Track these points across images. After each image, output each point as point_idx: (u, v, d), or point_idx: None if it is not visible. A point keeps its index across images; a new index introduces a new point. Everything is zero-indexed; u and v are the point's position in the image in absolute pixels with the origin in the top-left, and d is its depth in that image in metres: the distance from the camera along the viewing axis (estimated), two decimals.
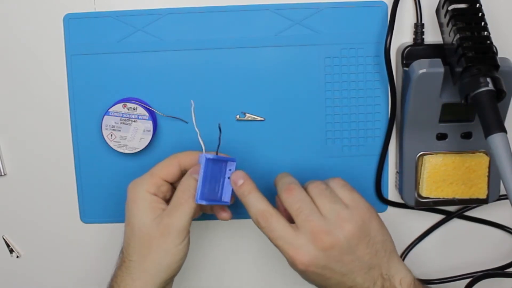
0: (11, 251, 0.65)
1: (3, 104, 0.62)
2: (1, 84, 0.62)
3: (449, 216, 0.64)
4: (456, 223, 0.65)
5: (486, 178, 0.59)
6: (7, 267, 0.66)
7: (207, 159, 0.53)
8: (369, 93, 0.61)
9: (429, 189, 0.59)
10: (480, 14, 0.53)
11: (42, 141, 0.63)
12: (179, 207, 0.52)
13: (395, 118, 0.61)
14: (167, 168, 0.55)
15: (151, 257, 0.52)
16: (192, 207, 0.53)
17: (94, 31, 0.60)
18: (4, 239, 0.65)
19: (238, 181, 0.53)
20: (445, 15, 0.55)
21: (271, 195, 0.58)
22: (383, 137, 0.62)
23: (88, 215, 0.64)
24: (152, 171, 0.55)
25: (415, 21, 0.59)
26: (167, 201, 0.55)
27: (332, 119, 0.62)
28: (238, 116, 0.62)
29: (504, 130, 0.48)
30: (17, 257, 0.65)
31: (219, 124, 0.56)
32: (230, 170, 0.55)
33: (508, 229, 0.65)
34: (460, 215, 0.64)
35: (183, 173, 0.55)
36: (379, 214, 0.64)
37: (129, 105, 0.59)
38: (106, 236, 0.65)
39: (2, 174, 0.63)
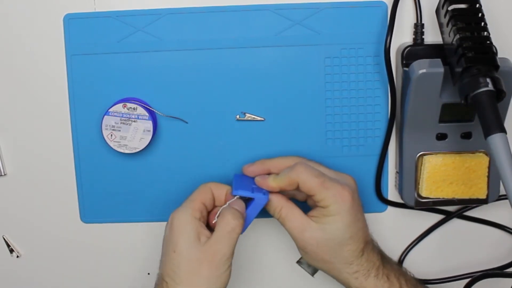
0: (11, 251, 0.65)
1: (3, 104, 0.62)
2: (1, 84, 0.62)
3: (448, 216, 0.64)
4: (455, 223, 0.65)
5: (486, 178, 0.59)
6: (7, 267, 0.66)
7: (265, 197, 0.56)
8: (369, 93, 0.61)
9: (429, 189, 0.59)
10: (480, 14, 0.53)
11: (42, 141, 0.63)
12: (227, 235, 0.53)
13: (395, 118, 0.61)
14: (204, 194, 0.56)
15: (200, 282, 0.52)
16: (238, 235, 0.54)
17: (94, 31, 0.60)
18: (4, 239, 0.65)
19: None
20: (445, 15, 0.55)
21: None
22: (383, 137, 0.62)
23: (88, 215, 0.64)
24: (192, 198, 0.56)
25: (415, 21, 0.59)
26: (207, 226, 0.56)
27: (332, 119, 0.62)
28: (238, 116, 0.62)
29: (504, 130, 0.48)
30: (17, 257, 0.65)
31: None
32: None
33: (508, 229, 0.65)
34: (459, 215, 0.64)
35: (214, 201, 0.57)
36: (379, 214, 0.64)
37: (129, 105, 0.59)
38: (106, 236, 0.65)
39: (2, 174, 0.63)
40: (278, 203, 0.56)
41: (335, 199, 0.54)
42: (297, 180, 0.54)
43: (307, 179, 0.54)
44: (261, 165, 0.58)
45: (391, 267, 0.57)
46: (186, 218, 0.54)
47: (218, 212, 0.55)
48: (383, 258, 0.58)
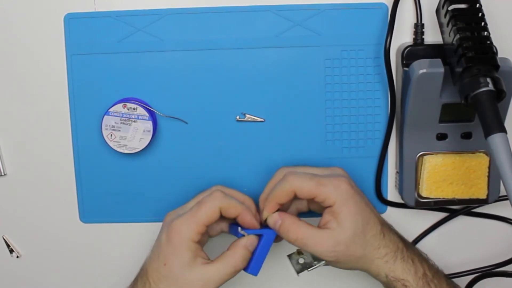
0: (11, 251, 0.65)
1: (3, 104, 0.62)
2: (1, 84, 0.62)
3: (453, 213, 0.64)
4: (458, 220, 0.65)
5: (486, 178, 0.59)
6: (7, 267, 0.66)
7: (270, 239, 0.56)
8: (369, 94, 0.61)
9: (429, 189, 0.59)
10: (480, 14, 0.53)
11: (42, 141, 0.63)
12: (228, 270, 0.53)
13: (395, 119, 0.61)
14: (210, 216, 0.54)
15: None
16: (238, 271, 0.54)
17: (94, 31, 0.60)
18: (4, 239, 0.65)
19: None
20: (445, 15, 0.55)
21: None
22: (382, 139, 0.62)
23: (87, 215, 0.64)
24: (197, 217, 0.54)
25: (415, 21, 0.59)
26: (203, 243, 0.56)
27: (332, 120, 0.62)
28: (238, 117, 0.62)
29: (504, 130, 0.48)
30: (17, 257, 0.65)
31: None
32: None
33: (511, 222, 0.65)
34: (464, 212, 0.64)
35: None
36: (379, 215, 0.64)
37: (129, 105, 0.59)
38: (106, 236, 0.65)
39: (2, 174, 0.63)
40: (291, 225, 0.55)
41: (336, 191, 0.54)
42: (292, 189, 0.54)
43: (302, 184, 0.54)
44: (268, 202, 0.57)
45: (414, 251, 0.57)
46: (186, 241, 0.53)
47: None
48: (404, 241, 0.57)
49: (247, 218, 0.55)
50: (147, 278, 0.54)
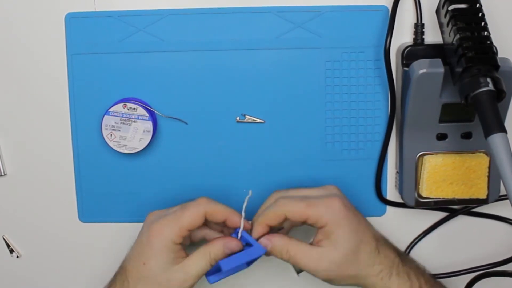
0: (11, 251, 0.65)
1: (3, 104, 0.62)
2: (1, 84, 0.62)
3: (453, 213, 0.64)
4: (458, 219, 0.65)
5: (486, 178, 0.59)
6: (7, 267, 0.66)
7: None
8: (369, 97, 0.61)
9: (429, 189, 0.59)
10: (480, 14, 0.53)
11: (42, 141, 0.63)
12: (206, 258, 0.53)
13: (395, 119, 0.61)
14: (194, 220, 0.54)
15: None
16: (214, 261, 0.54)
17: (95, 31, 0.60)
18: (4, 239, 0.65)
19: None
20: (445, 15, 0.55)
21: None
22: (382, 141, 0.62)
23: (86, 214, 0.64)
24: (181, 221, 0.54)
25: (415, 21, 0.59)
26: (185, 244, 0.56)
27: (332, 122, 0.62)
28: (238, 118, 0.62)
29: (504, 130, 0.48)
30: (17, 257, 0.65)
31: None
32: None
33: (510, 222, 0.65)
34: (464, 211, 0.64)
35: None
36: (379, 216, 0.64)
37: (129, 105, 0.59)
38: (105, 235, 0.65)
39: (2, 174, 0.63)
40: (283, 246, 0.54)
41: (328, 212, 0.53)
42: (283, 213, 0.54)
43: (292, 207, 0.54)
44: (258, 224, 0.56)
45: (410, 265, 0.57)
46: (167, 243, 0.53)
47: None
48: (401, 255, 0.57)
49: (235, 218, 0.55)
50: (126, 276, 0.55)
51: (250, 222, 0.56)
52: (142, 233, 0.56)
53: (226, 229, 0.58)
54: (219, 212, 0.55)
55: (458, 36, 0.52)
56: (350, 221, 0.54)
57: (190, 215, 0.54)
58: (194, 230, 0.56)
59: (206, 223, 0.56)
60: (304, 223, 0.55)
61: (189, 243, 0.59)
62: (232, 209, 0.55)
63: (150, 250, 0.54)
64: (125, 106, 0.59)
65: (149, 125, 0.59)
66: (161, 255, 0.53)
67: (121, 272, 0.56)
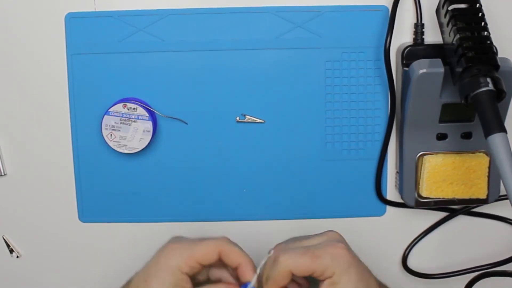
0: (11, 251, 0.65)
1: (3, 103, 0.62)
2: (1, 84, 0.62)
3: (453, 213, 0.64)
4: (458, 219, 0.65)
5: (486, 178, 0.59)
6: (7, 267, 0.65)
7: None
8: (369, 97, 0.61)
9: (429, 189, 0.59)
10: (480, 14, 0.53)
11: (42, 141, 0.63)
12: None
13: (395, 119, 0.61)
14: (207, 254, 0.52)
15: None
16: None
17: (95, 31, 0.60)
18: (4, 239, 0.65)
19: None
20: (445, 15, 0.55)
21: (269, 197, 0.59)
22: (382, 141, 0.62)
23: (86, 214, 0.64)
24: (192, 251, 0.52)
25: (415, 21, 0.59)
26: (194, 276, 0.54)
27: (332, 122, 0.62)
28: (238, 118, 0.62)
29: (504, 130, 0.48)
30: (17, 257, 0.65)
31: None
32: None
33: (510, 222, 0.64)
34: (464, 211, 0.64)
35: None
36: (379, 217, 0.64)
37: (129, 105, 0.59)
38: (105, 235, 0.65)
39: (2, 174, 0.63)
40: None
41: (334, 262, 0.50)
42: (288, 269, 0.50)
43: (296, 262, 0.50)
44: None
45: None
46: (172, 268, 0.51)
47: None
48: None
49: (247, 270, 0.52)
50: None
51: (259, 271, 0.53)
52: (157, 251, 0.54)
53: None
54: (234, 255, 0.52)
55: (458, 36, 0.52)
56: (356, 269, 0.51)
57: (203, 248, 0.52)
58: (212, 268, 0.54)
59: (226, 265, 0.54)
60: (310, 275, 0.52)
61: (206, 280, 0.56)
62: (249, 258, 0.52)
63: (155, 269, 0.52)
64: (125, 106, 0.59)
65: (149, 125, 0.59)
66: (163, 278, 0.51)
67: (125, 286, 0.55)
